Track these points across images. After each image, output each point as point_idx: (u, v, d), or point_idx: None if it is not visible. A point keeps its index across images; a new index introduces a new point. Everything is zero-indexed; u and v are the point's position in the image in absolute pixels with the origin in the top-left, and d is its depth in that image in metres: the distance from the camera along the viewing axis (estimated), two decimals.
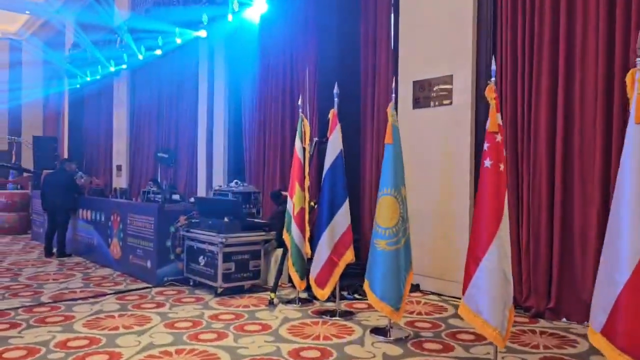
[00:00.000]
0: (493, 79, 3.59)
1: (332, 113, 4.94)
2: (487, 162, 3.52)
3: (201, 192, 10.14)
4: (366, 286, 4.32)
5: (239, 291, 5.77)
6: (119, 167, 14.06)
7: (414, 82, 6.20)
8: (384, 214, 4.25)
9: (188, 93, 11.07)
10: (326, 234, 4.82)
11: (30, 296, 5.57)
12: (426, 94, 6.08)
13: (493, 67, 3.61)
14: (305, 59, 8.06)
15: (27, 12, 17.05)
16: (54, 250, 8.14)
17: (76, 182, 8.62)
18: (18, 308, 5.06)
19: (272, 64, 8.86)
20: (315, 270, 4.88)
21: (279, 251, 6.30)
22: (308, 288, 5.26)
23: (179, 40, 9.55)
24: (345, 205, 4.85)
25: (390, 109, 4.43)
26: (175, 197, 8.05)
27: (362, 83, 7.03)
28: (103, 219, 7.42)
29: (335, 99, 4.97)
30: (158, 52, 10.47)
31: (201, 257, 5.86)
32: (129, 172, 13.54)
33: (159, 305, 5.26)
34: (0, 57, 19.14)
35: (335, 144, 4.91)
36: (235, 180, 7.31)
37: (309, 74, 7.92)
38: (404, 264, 4.29)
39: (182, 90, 11.37)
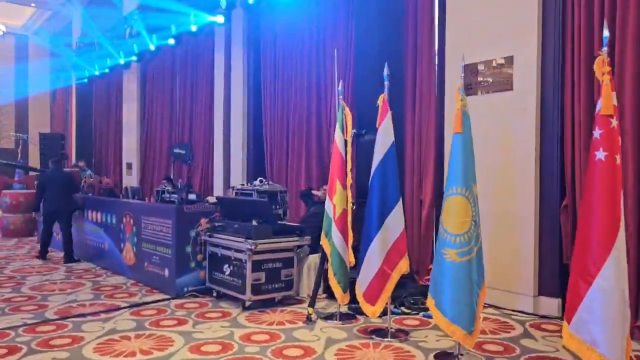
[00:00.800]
0: (605, 48, 2.86)
1: (382, 99, 4.22)
2: (600, 154, 2.81)
3: (218, 191, 9.45)
4: (431, 305, 3.60)
5: (269, 304, 5.07)
6: (129, 165, 13.41)
7: (465, 66, 5.44)
8: (454, 217, 3.53)
9: (203, 85, 10.37)
10: (377, 240, 4.11)
11: (34, 311, 4.90)
12: (480, 79, 5.35)
13: (606, 34, 2.87)
14: (336, 40, 7.33)
15: (32, 4, 16.45)
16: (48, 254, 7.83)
17: (74, 180, 8.23)
18: (19, 327, 4.38)
19: (296, 48, 8.15)
20: (364, 283, 4.17)
21: (312, 258, 5.62)
22: (352, 301, 4.57)
23: (194, 28, 8.87)
24: (399, 207, 4.14)
25: (459, 92, 3.70)
26: (192, 197, 7.37)
27: (403, 67, 6.28)
28: (114, 221, 6.75)
29: (386, 82, 4.26)
30: (171, 41, 9.82)
31: (226, 266, 5.17)
32: (140, 170, 12.88)
33: (181, 322, 4.57)
34: (6, 53, 18.62)
35: (385, 135, 4.19)
36: (260, 178, 6.61)
37: (341, 56, 7.20)
38: (477, 277, 3.57)
39: (196, 82, 10.67)
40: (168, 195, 7.64)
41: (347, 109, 4.71)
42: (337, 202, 4.58)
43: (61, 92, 18.76)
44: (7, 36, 17.34)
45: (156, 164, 12.20)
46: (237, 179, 9.08)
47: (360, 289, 4.21)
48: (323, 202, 5.96)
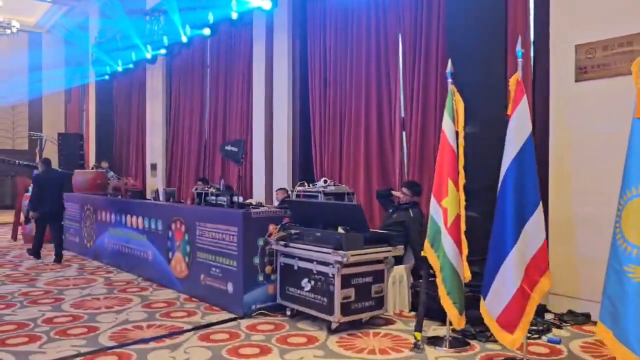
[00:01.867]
0: None
1: (516, 80, 3.46)
2: None
3: (259, 194, 8.71)
4: (608, 336, 2.84)
5: (356, 325, 4.33)
6: (153, 166, 12.69)
7: (577, 46, 4.71)
8: (636, 226, 2.77)
9: (239, 79, 9.64)
10: (514, 253, 3.35)
11: (85, 335, 4.16)
12: (597, 62, 4.59)
13: None
14: (401, 23, 6.58)
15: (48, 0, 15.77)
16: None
17: (65, 181, 8.29)
18: (73, 357, 3.65)
19: (350, 34, 7.40)
20: (498, 305, 3.40)
21: (397, 270, 4.87)
22: (474, 324, 3.83)
23: (234, 15, 8.13)
24: (539, 212, 3.38)
25: (638, 67, 2.94)
26: (238, 200, 6.64)
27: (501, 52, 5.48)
28: (160, 228, 6.01)
29: (519, 60, 3.50)
30: (206, 31, 9.07)
31: (305, 280, 4.42)
32: (166, 171, 12.16)
33: (263, 350, 3.83)
34: (19, 51, 17.96)
35: (521, 124, 3.43)
36: (324, 178, 5.88)
37: (408, 42, 6.45)
38: None
39: (230, 77, 9.94)
40: (214, 197, 6.93)
41: (457, 95, 3.96)
42: (449, 205, 3.82)
43: (77, 91, 18.10)
44: (20, 34, 16.65)
45: (184, 164, 11.48)
46: (281, 180, 8.32)
47: (491, 312, 3.44)
48: (406, 206, 5.24)
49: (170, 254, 5.84)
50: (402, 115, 6.68)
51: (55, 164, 13.84)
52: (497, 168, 3.51)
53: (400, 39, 6.72)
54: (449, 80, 4.00)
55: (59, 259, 7.46)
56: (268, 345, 3.94)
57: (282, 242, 4.63)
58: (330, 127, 7.70)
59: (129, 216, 6.72)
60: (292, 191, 6.16)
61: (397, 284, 4.90)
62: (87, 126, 16.48)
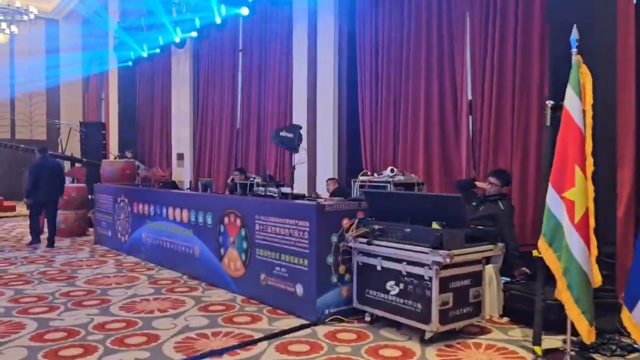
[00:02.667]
0: None
1: None
2: None
3: (301, 186, 8.15)
4: None
5: (450, 335, 3.78)
6: (180, 156, 12.17)
7: None
8: None
9: (275, 64, 9.07)
10: None
11: (144, 345, 3.64)
12: None
13: None
14: None
15: None
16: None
17: (62, 169, 8.54)
18: None
19: (406, 10, 6.79)
20: None
21: (487, 270, 4.30)
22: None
23: None
24: None
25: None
26: (285, 190, 6.11)
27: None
28: (210, 221, 5.48)
29: None
30: (244, 10, 8.50)
31: (391, 283, 3.87)
32: (194, 161, 11.63)
33: None
34: (36, 38, 17.47)
35: None
36: (391, 167, 5.32)
37: (477, 18, 5.84)
38: None
39: (266, 61, 9.37)
40: (261, 188, 6.40)
41: (584, 67, 3.37)
42: (576, 197, 3.25)
43: (95, 79, 17.60)
44: (37, 20, 16.15)
45: (214, 154, 10.94)
46: (325, 170, 7.77)
47: None
48: (494, 197, 4.67)
49: (222, 250, 5.31)
50: (470, 97, 6.09)
51: (77, 154, 13.41)
52: None
53: (467, 11, 6.11)
54: (574, 50, 3.41)
55: (51, 244, 7.80)
56: (359, 359, 3.41)
57: (363, 240, 4.08)
58: (383, 113, 7.11)
59: (171, 208, 6.20)
60: (354, 181, 5.59)
61: (487, 286, 4.34)
62: (106, 115, 15.99)
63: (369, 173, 5.55)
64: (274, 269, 4.59)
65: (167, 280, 5.68)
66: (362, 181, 5.38)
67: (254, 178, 7.41)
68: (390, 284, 3.89)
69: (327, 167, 7.81)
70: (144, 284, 5.53)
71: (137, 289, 5.28)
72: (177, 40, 10.56)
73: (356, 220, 4.21)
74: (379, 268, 3.98)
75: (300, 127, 5.72)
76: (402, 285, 3.81)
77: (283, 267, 4.50)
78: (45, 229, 8.10)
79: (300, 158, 6.06)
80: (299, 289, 4.32)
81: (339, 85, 7.80)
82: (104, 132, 13.38)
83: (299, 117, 8.28)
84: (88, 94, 18.45)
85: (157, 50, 11.56)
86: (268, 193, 5.98)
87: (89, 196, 9.40)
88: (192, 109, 11.80)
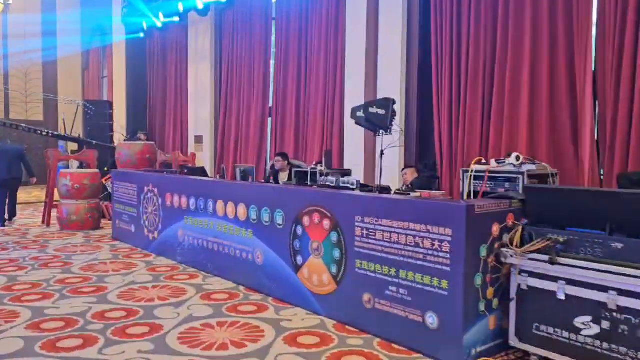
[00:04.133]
0: None
1: None
2: None
3: (356, 173, 6.99)
4: None
5: None
6: (198, 139, 10.94)
7: None
8: None
9: (322, 33, 7.85)
10: None
11: None
12: None
13: None
14: None
15: None
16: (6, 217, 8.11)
17: (22, 152, 8.49)
18: None
19: None
20: None
21: None
22: None
23: None
24: None
25: None
26: (347, 180, 4.95)
27: None
28: (280, 220, 4.29)
29: None
30: None
31: (586, 319, 2.73)
32: (217, 144, 10.41)
33: None
34: (33, 12, 15.95)
35: None
36: (515, 154, 4.15)
37: None
38: None
39: (309, 30, 8.15)
40: (331, 178, 5.25)
41: None
42: None
43: (95, 54, 16.21)
44: None
45: (241, 137, 9.74)
46: (391, 159, 6.60)
47: None
48: None
49: (298, 258, 4.13)
50: (593, 67, 4.93)
51: (80, 134, 12.12)
52: None
53: None
54: None
55: (10, 217, 8.23)
56: None
57: (539, 257, 2.92)
58: (469, 87, 5.93)
59: (220, 202, 4.99)
60: (465, 172, 4.41)
61: None
62: (109, 93, 14.65)
63: (481, 160, 4.37)
64: (387, 288, 3.42)
65: (223, 294, 4.49)
66: (476, 171, 4.21)
67: (306, 165, 6.24)
68: (583, 320, 2.74)
69: (393, 154, 6.63)
70: (194, 298, 4.34)
71: (191, 307, 4.10)
72: (201, 6, 9.27)
73: (520, 228, 3.05)
74: (560, 296, 2.84)
75: (394, 102, 4.52)
76: (606, 324, 2.66)
77: (402, 288, 3.33)
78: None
79: (391, 141, 4.87)
80: (431, 320, 3.16)
81: (408, 54, 6.61)
82: (110, 111, 12.07)
83: (354, 96, 7.10)
84: (88, 72, 17.05)
85: (176, 19, 10.25)
86: (344, 184, 4.82)
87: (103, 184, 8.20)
88: (213, 87, 10.55)
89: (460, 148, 5.99)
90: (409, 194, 4.58)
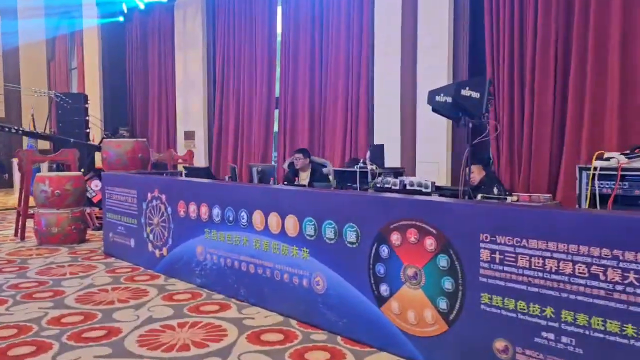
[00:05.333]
0: None
1: None
2: None
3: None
4: None
5: None
6: (189, 135, 9.79)
7: None
8: None
9: (342, 12, 6.85)
10: None
11: None
12: None
13: None
14: None
15: None
16: None
17: None
18: None
19: None
20: None
21: None
22: None
23: None
24: None
25: None
26: (415, 181, 4.03)
27: None
28: (353, 237, 3.29)
29: None
30: None
31: None
32: (212, 142, 9.28)
33: None
34: None
35: None
36: None
37: None
38: None
39: (324, 8, 7.14)
40: (390, 179, 4.35)
41: None
42: None
43: (62, 43, 14.71)
44: None
45: (240, 132, 8.65)
46: (430, 154, 5.71)
47: None
48: None
49: (383, 287, 3.15)
50: None
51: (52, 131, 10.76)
52: None
53: None
54: None
55: None
56: None
57: None
58: (536, 67, 5.04)
59: (258, 213, 3.95)
60: (581, 169, 3.51)
61: None
62: (80, 87, 13.24)
63: (606, 155, 3.47)
64: (538, 334, 2.48)
65: (272, 332, 3.47)
66: (601, 169, 3.32)
67: (330, 163, 5.28)
68: None
69: (434, 147, 5.72)
70: (240, 342, 3.30)
71: (242, 358, 3.07)
72: None
73: None
74: None
75: (491, 82, 3.59)
76: None
77: (567, 335, 2.40)
78: None
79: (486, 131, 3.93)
80: None
81: (455, 26, 5.67)
82: (86, 105, 10.72)
83: (386, 80, 6.14)
84: (54, 63, 15.50)
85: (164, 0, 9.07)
86: (413, 187, 3.90)
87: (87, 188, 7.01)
88: (206, 76, 9.41)
89: (526, 139, 5.10)
90: (506, 198, 3.67)
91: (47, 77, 15.68)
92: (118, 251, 5.74)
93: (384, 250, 3.13)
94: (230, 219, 4.22)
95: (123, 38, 11.27)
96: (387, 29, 6.15)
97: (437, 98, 3.69)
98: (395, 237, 3.07)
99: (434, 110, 3.88)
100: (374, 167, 4.58)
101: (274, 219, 3.85)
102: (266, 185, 4.97)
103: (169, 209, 4.92)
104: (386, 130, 6.24)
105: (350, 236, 3.32)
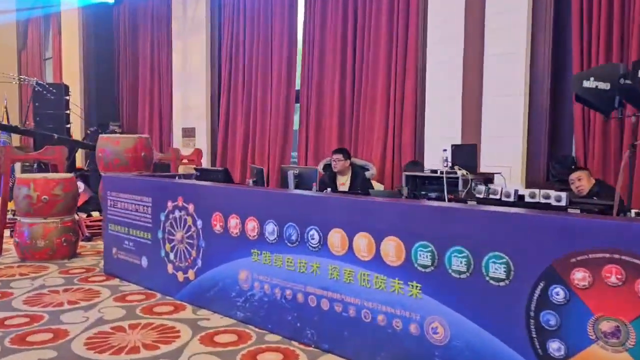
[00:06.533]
0: None
1: None
2: None
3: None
4: None
5: None
6: (187, 132, 8.71)
7: None
8: None
9: None
10: None
11: None
12: None
13: None
14: None
15: None
16: None
17: None
18: None
19: None
20: None
21: None
22: None
23: None
24: None
25: None
26: (538, 193, 3.15)
27: None
28: (499, 273, 2.36)
29: None
30: None
31: None
32: (213, 139, 8.23)
33: None
34: None
35: None
36: None
37: None
38: None
39: None
40: (497, 188, 3.47)
41: None
42: None
43: (35, 28, 13.36)
44: None
45: (252, 129, 7.64)
46: (503, 157, 4.84)
47: None
48: None
49: (552, 344, 2.22)
50: None
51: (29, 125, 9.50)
52: None
53: None
54: None
55: None
56: None
57: None
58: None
59: (338, 232, 2.98)
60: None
61: None
62: (57, 79, 11.95)
63: None
64: None
65: None
66: None
67: (372, 165, 4.37)
68: None
69: (503, 149, 4.86)
70: None
71: None
72: None
73: None
74: None
75: (625, 71, 2.72)
76: None
77: None
78: None
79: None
80: None
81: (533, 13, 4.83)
82: (67, 97, 9.49)
83: (444, 71, 5.24)
84: (25, 52, 14.10)
85: None
86: (536, 200, 3.05)
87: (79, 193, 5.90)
88: (209, 68, 8.36)
89: (627, 135, 4.24)
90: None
91: (17, 66, 14.25)
92: (123, 271, 4.66)
93: (560, 293, 2.21)
94: (293, 238, 3.23)
95: (109, 23, 10.08)
96: (445, 10, 5.26)
97: (586, 84, 2.81)
98: (579, 276, 2.15)
99: (577, 99, 2.99)
100: (464, 172, 3.66)
101: (363, 240, 2.89)
102: (351, 194, 3.96)
103: (199, 223, 3.89)
104: (439, 129, 5.35)
105: (497, 270, 2.39)
